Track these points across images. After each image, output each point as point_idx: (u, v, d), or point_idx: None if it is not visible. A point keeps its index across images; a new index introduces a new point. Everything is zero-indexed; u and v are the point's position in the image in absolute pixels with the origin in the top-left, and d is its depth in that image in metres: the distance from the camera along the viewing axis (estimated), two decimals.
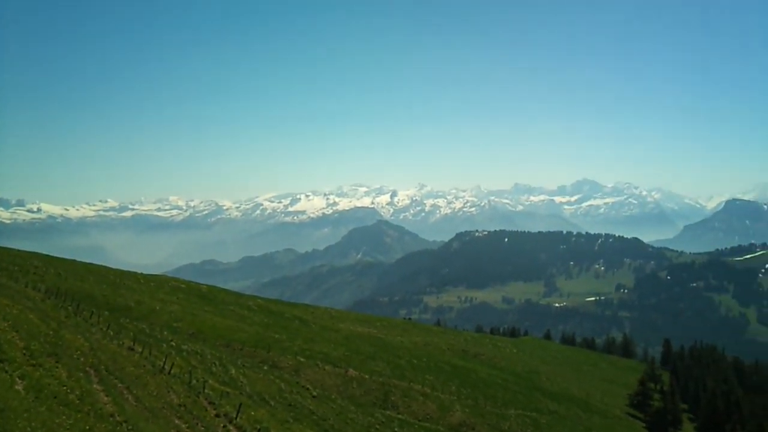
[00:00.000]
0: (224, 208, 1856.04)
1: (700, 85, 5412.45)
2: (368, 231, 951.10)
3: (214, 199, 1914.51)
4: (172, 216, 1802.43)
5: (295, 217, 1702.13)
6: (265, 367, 54.38)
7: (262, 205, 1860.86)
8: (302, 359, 60.73)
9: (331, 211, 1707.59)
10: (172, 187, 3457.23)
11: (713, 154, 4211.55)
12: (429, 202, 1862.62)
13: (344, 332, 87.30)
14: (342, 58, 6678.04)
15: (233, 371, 46.93)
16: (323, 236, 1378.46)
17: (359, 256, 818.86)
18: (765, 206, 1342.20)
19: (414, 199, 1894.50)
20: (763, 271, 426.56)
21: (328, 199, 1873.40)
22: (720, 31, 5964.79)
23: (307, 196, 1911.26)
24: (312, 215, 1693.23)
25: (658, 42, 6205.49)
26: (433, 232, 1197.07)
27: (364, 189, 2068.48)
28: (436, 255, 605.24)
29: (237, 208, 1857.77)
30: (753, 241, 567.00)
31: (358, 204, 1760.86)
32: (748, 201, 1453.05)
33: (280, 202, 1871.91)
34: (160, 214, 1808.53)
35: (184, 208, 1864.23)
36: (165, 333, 54.82)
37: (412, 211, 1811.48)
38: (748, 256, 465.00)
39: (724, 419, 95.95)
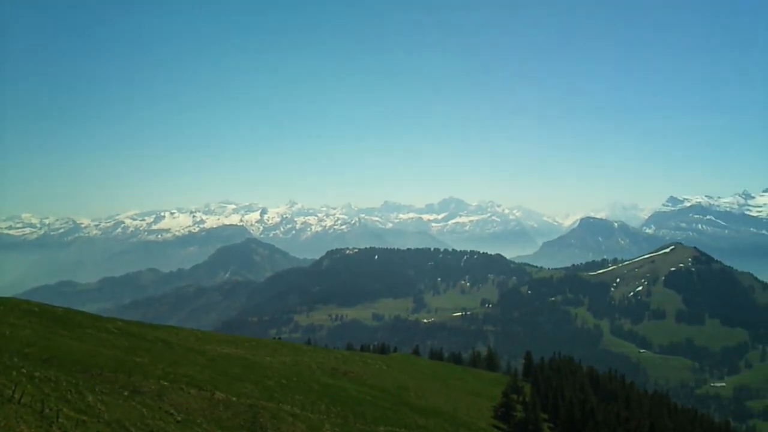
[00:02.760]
0: (82, 226, 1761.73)
1: (554, 109, 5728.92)
2: (237, 249, 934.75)
3: (71, 216, 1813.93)
4: (24, 234, 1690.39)
5: (159, 236, 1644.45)
6: (126, 393, 51.87)
7: (123, 223, 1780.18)
8: (166, 383, 58.47)
9: (197, 229, 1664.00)
10: (25, 204, 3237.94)
11: (569, 175, 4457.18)
12: (300, 219, 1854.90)
13: (210, 354, 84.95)
14: (206, 74, 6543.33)
15: (90, 398, 44.38)
16: (189, 255, 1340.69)
17: (227, 275, 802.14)
18: (615, 224, 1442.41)
19: (284, 216, 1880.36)
20: (614, 285, 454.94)
21: (194, 216, 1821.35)
22: (574, 56, 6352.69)
23: (172, 213, 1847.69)
24: (177, 233, 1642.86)
25: (514, 65, 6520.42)
26: (304, 250, 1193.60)
27: (232, 206, 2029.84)
28: (307, 273, 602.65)
29: (96, 226, 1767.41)
30: (605, 257, 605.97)
31: (227, 222, 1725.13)
32: (601, 219, 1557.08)
33: (143, 220, 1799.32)
34: (10, 232, 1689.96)
35: (38, 226, 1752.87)
36: (15, 359, 51.12)
37: (282, 229, 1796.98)
38: (600, 271, 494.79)
39: (580, 426, 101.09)
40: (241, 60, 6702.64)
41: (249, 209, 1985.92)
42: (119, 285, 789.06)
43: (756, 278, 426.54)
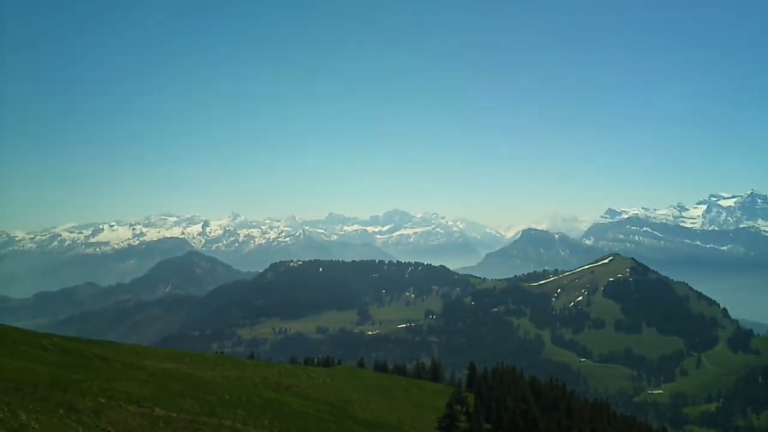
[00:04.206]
0: (16, 239, 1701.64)
1: (495, 122, 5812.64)
2: (178, 262, 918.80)
3: (5, 229, 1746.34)
4: None
5: (98, 249, 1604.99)
6: (61, 411, 50.23)
7: (60, 235, 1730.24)
8: (103, 400, 56.83)
9: (137, 241, 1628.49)
10: None
11: (511, 187, 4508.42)
12: (243, 232, 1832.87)
13: (150, 369, 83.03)
14: (144, 84, 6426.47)
15: (24, 417, 42.83)
16: (129, 268, 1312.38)
17: (168, 288, 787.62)
18: (556, 235, 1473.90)
19: (227, 229, 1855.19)
20: (555, 295, 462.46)
21: (134, 229, 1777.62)
22: (511, 71, 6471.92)
23: (111, 226, 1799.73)
24: (116, 246, 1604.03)
25: (455, 79, 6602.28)
26: (248, 263, 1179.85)
27: (173, 219, 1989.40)
28: (250, 286, 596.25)
29: (31, 239, 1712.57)
30: (546, 268, 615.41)
31: (168, 234, 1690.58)
32: (542, 230, 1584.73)
33: (81, 233, 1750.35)
34: None
35: None
36: None
37: (225, 242, 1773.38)
38: (542, 282, 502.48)
39: None
40: (179, 71, 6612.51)
41: (191, 221, 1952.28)
42: (55, 299, 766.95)
43: (691, 288, 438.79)
